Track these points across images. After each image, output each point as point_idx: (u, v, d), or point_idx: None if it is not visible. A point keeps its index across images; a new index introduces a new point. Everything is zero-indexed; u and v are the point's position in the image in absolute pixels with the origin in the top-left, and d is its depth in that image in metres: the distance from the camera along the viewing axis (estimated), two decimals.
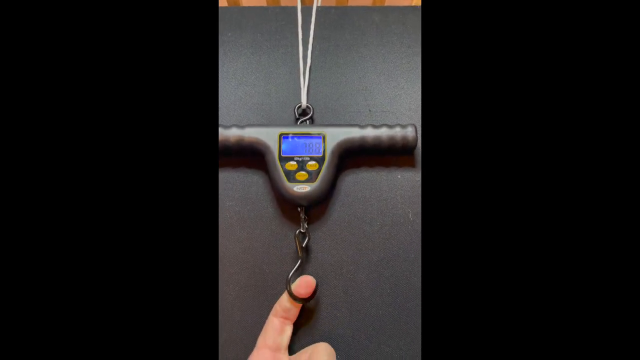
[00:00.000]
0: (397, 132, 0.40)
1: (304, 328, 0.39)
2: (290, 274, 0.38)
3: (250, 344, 0.38)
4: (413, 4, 0.49)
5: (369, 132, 0.40)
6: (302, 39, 0.47)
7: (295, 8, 0.49)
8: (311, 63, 0.47)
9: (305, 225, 0.40)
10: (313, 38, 0.48)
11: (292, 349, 0.39)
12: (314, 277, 0.39)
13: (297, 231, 0.40)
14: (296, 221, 0.41)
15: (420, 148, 0.43)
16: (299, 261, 0.39)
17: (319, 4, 0.49)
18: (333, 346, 0.38)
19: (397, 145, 0.40)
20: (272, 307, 0.38)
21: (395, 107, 0.45)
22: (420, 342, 0.38)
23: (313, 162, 0.40)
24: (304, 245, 0.39)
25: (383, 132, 0.40)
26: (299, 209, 0.40)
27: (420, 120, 0.44)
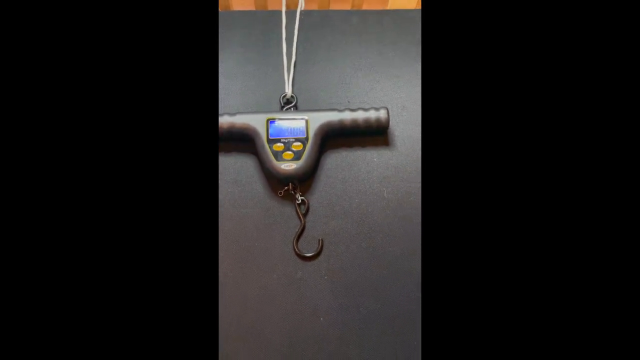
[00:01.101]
0: (372, 114, 0.45)
1: (289, 294, 0.43)
2: (295, 236, 0.44)
3: (246, 318, 0.41)
4: (395, 8, 0.55)
5: (347, 115, 0.45)
6: (286, 38, 0.52)
7: (280, 11, 0.54)
8: (296, 60, 0.52)
9: (300, 196, 0.45)
10: (297, 38, 0.53)
11: (281, 313, 0.42)
12: (300, 249, 0.43)
13: (296, 202, 0.45)
14: (285, 199, 0.46)
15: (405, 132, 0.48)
16: (301, 226, 0.44)
17: (302, 8, 0.54)
18: (315, 309, 0.42)
19: (372, 126, 0.45)
20: (267, 278, 0.42)
21: (371, 99, 0.50)
22: (395, 304, 0.43)
23: (298, 143, 0.44)
24: (304, 212, 0.45)
25: (359, 115, 0.45)
26: (290, 185, 0.44)
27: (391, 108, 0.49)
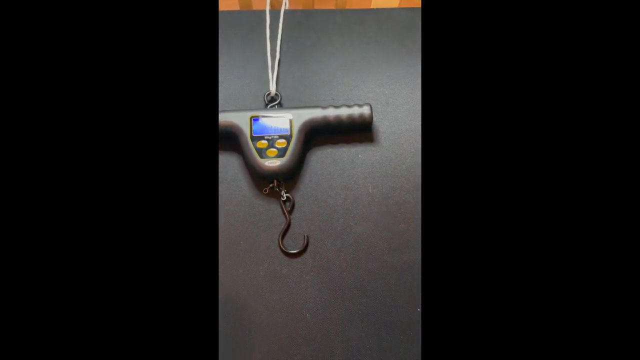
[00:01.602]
0: (355, 111, 0.45)
1: (274, 291, 0.43)
2: (280, 233, 0.44)
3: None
4: (388, 6, 0.56)
5: (330, 112, 0.45)
6: (271, 37, 0.52)
7: (265, 11, 0.54)
8: (280, 59, 0.52)
9: (285, 193, 0.45)
10: (281, 37, 0.53)
11: (266, 310, 0.42)
12: (286, 246, 0.43)
13: (281, 199, 0.45)
14: (270, 196, 0.46)
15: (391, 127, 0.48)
16: (287, 223, 0.44)
17: (286, 7, 0.55)
18: (300, 307, 0.42)
19: (356, 123, 0.45)
20: (252, 276, 0.42)
21: (355, 96, 0.50)
22: (380, 299, 0.43)
23: (282, 140, 0.44)
24: (289, 208, 0.45)
25: (343, 111, 0.45)
26: (275, 183, 0.44)
27: (372, 106, 0.50)
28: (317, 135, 0.47)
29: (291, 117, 0.45)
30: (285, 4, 0.55)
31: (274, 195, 0.46)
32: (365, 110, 0.45)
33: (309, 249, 0.44)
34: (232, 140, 0.46)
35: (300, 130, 0.45)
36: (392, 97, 0.50)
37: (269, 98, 0.49)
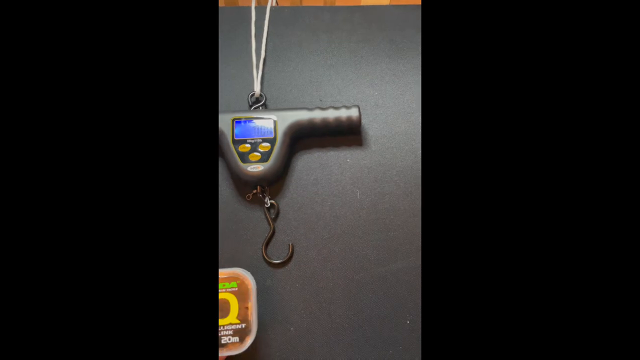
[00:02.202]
0: (343, 113, 0.43)
1: (260, 302, 0.41)
2: (264, 242, 0.42)
3: None
4: (376, 4, 0.53)
5: (317, 114, 0.43)
6: (256, 35, 0.50)
7: (250, 8, 0.52)
8: (266, 57, 0.49)
9: (269, 200, 0.42)
10: (267, 35, 0.51)
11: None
12: (269, 255, 0.41)
13: (265, 206, 0.42)
14: (254, 202, 0.43)
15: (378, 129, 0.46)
16: (271, 231, 0.42)
17: (273, 4, 0.52)
18: (285, 318, 0.40)
19: (343, 125, 0.43)
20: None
21: (344, 97, 0.48)
22: (368, 312, 0.41)
23: (265, 144, 0.42)
24: (273, 216, 0.43)
25: (330, 114, 0.43)
26: (258, 188, 0.42)
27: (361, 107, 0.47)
28: (302, 138, 0.45)
29: (275, 119, 0.43)
30: (274, 0, 0.52)
31: (258, 201, 0.43)
32: (353, 112, 0.43)
33: (293, 258, 0.42)
34: None
35: (285, 133, 0.42)
36: (382, 99, 0.48)
37: (253, 99, 0.46)
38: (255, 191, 0.43)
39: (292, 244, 0.42)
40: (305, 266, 0.42)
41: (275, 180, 0.44)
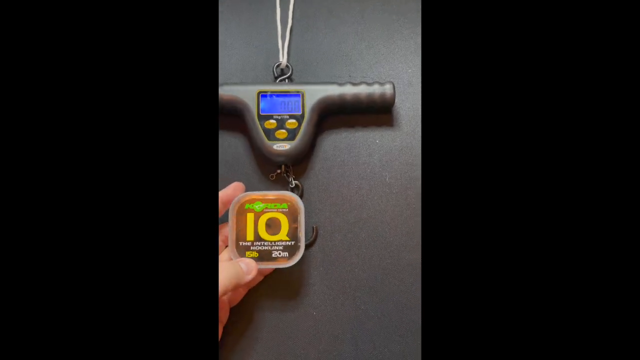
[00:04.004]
0: (376, 90, 0.40)
1: (280, 285, 0.39)
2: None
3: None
4: None
5: (348, 90, 0.40)
6: (281, 2, 0.46)
7: None
8: (292, 26, 0.46)
9: (294, 180, 0.40)
10: (294, 1, 0.47)
11: (271, 306, 0.39)
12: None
13: (290, 186, 0.40)
14: (277, 182, 0.41)
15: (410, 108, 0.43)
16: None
17: None
18: (308, 304, 0.39)
19: (376, 103, 0.40)
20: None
21: (375, 73, 0.45)
22: (395, 299, 0.39)
23: (292, 120, 0.39)
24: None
25: (362, 90, 0.40)
26: (283, 168, 0.40)
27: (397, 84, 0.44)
28: (331, 115, 0.42)
29: (303, 93, 0.40)
30: None
31: (282, 181, 0.41)
32: (388, 89, 0.40)
33: (318, 242, 0.40)
34: (236, 117, 0.41)
35: (313, 110, 0.40)
36: (416, 77, 0.45)
37: (278, 70, 0.43)
38: (279, 171, 0.41)
39: (317, 227, 0.40)
40: (329, 250, 0.40)
41: (301, 160, 0.41)
